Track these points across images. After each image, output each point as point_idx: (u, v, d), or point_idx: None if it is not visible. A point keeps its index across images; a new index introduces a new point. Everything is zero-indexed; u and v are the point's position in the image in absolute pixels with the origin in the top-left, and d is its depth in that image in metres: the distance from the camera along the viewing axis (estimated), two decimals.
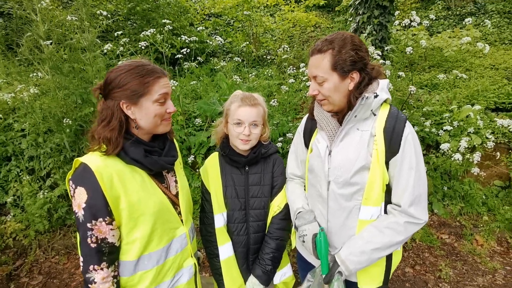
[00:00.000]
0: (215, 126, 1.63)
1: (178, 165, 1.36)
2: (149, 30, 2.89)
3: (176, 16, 5.62)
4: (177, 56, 3.43)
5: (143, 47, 2.95)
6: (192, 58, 3.46)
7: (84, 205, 0.99)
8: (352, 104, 1.25)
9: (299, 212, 1.42)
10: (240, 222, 1.50)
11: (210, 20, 6.51)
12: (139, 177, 1.12)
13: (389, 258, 1.33)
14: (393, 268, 1.38)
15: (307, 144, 1.51)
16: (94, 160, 1.04)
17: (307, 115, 1.57)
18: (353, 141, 1.27)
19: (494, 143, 3.01)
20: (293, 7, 5.83)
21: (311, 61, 1.29)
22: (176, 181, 1.30)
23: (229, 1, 5.61)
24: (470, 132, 3.08)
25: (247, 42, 5.13)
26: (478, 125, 3.02)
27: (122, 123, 1.08)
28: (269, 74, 3.80)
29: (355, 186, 1.25)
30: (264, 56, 5.74)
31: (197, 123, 3.48)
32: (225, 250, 1.47)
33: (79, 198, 0.99)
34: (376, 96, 1.22)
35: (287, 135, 2.98)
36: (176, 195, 1.28)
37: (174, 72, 4.31)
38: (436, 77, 4.81)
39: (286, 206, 1.54)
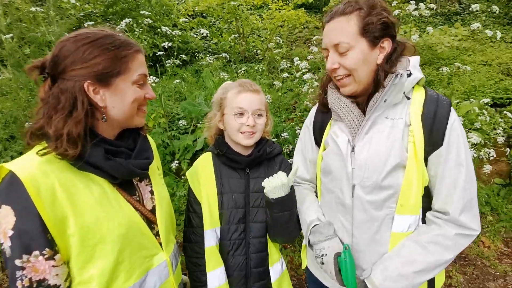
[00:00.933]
0: (206, 121, 1.33)
1: (155, 171, 1.06)
2: (124, 21, 2.56)
3: (158, 16, 5.31)
4: (158, 53, 3.12)
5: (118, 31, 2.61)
6: (175, 57, 3.16)
7: (10, 232, 0.69)
8: (380, 83, 0.99)
9: (314, 226, 1.14)
10: (238, 239, 1.21)
11: (195, 19, 6.22)
12: (98, 189, 0.82)
13: (431, 281, 1.06)
14: None
15: (318, 141, 1.23)
16: (26, 166, 0.74)
17: (315, 106, 1.29)
18: (382, 132, 1.01)
19: (503, 138, 2.82)
20: (281, 6, 5.62)
21: (330, 26, 1.03)
22: (152, 192, 1.00)
23: (214, 0, 5.36)
24: (476, 128, 2.88)
25: (234, 43, 4.88)
26: (485, 120, 2.83)
27: (88, 113, 0.80)
28: (260, 70, 3.53)
29: (388, 190, 0.99)
30: (252, 56, 5.50)
31: (181, 125, 3.18)
32: (216, 276, 1.17)
33: (4, 222, 0.69)
34: (409, 75, 0.96)
35: (282, 135, 2.71)
36: (153, 211, 0.98)
37: (156, 72, 4.00)
38: (430, 74, 4.66)
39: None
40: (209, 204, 1.20)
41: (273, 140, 1.39)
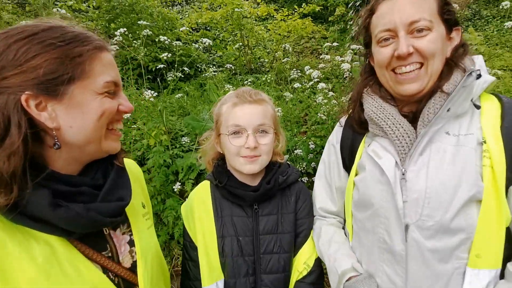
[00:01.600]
0: (201, 143, 1.07)
1: (137, 211, 0.81)
2: (118, 30, 2.38)
3: (161, 31, 5.19)
4: (159, 66, 2.93)
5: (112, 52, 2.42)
6: (176, 69, 2.97)
7: None
8: (443, 82, 0.77)
9: (349, 279, 0.86)
10: None
11: (198, 32, 6.11)
12: (42, 250, 0.59)
13: None
14: None
15: (346, 164, 0.96)
16: None
17: (341, 120, 1.03)
18: (444, 153, 0.77)
19: None
20: (286, 16, 5.46)
21: (402, 1, 0.79)
22: (131, 242, 0.75)
23: (217, 13, 5.23)
24: None
25: (239, 53, 4.71)
26: None
27: (28, 139, 0.57)
28: (268, 80, 3.30)
29: (459, 234, 0.74)
30: (258, 68, 5.31)
31: (184, 142, 2.94)
32: None
33: None
34: (478, 77, 0.72)
35: (294, 151, 2.44)
36: (133, 268, 0.73)
37: (158, 86, 3.81)
38: None
39: (319, 263, 0.98)
40: (207, 251, 0.94)
41: (291, 164, 1.11)
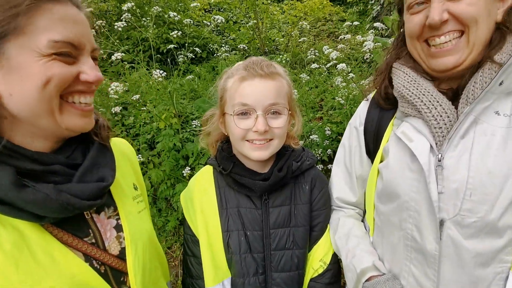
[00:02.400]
0: (203, 123, 0.96)
1: (126, 193, 0.72)
2: (126, 5, 2.27)
3: (173, 11, 5.06)
4: (169, 47, 2.82)
5: (120, 28, 2.32)
6: (187, 49, 2.85)
7: None
8: (494, 51, 0.64)
9: (370, 279, 0.76)
10: None
11: (211, 14, 5.94)
12: (10, 237, 0.52)
13: None
14: None
15: (369, 149, 0.84)
16: None
17: (365, 102, 0.90)
18: (492, 137, 0.65)
19: None
20: None
21: None
22: (119, 227, 0.67)
23: None
24: None
25: (253, 33, 4.54)
26: None
27: None
28: (284, 61, 3.14)
29: (507, 234, 0.62)
30: (272, 51, 5.13)
31: (195, 126, 2.86)
32: None
33: None
34: None
35: (310, 137, 2.31)
36: (121, 255, 0.66)
37: (170, 70, 3.70)
38: None
39: (336, 260, 0.87)
40: (211, 248, 0.83)
41: (306, 148, 0.99)
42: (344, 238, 0.87)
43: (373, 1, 4.64)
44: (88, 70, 0.57)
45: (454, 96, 0.71)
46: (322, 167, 2.45)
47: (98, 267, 0.62)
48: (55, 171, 0.57)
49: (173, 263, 2.76)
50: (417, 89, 0.72)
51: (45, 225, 0.56)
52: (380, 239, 0.84)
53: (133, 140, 2.94)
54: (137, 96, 2.53)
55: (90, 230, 0.63)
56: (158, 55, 3.93)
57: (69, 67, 0.55)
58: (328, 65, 2.44)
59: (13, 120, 0.53)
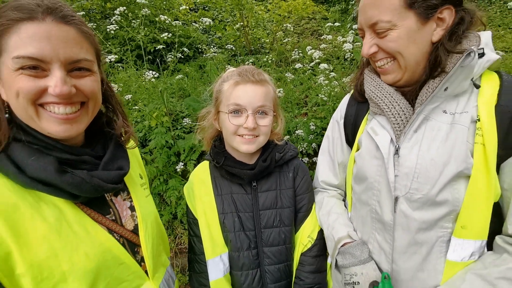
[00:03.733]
0: (199, 119, 1.09)
1: (136, 181, 0.86)
2: (118, 9, 2.35)
3: (159, 11, 5.09)
4: (158, 47, 2.91)
5: (112, 34, 2.41)
6: (176, 50, 2.94)
7: None
8: (439, 67, 0.76)
9: (344, 244, 0.92)
10: (251, 268, 0.98)
11: (197, 12, 5.99)
12: (53, 212, 0.64)
13: None
14: None
15: (349, 139, 1.00)
16: None
17: (346, 97, 1.05)
18: (438, 131, 0.79)
19: None
20: None
21: (365, 1, 0.80)
22: (132, 207, 0.81)
23: None
24: None
25: (239, 33, 4.64)
26: None
27: None
28: (269, 61, 3.28)
29: (444, 206, 0.77)
30: (258, 49, 5.25)
31: (185, 124, 2.96)
32: None
33: None
34: (481, 56, 0.72)
35: (295, 132, 2.47)
36: (135, 230, 0.79)
37: (158, 68, 3.78)
38: None
39: (322, 236, 1.03)
40: (209, 227, 0.98)
41: (284, 138, 1.13)
42: (326, 214, 1.03)
43: (353, 1, 4.81)
44: (53, 83, 0.61)
45: (415, 96, 0.86)
46: (308, 160, 2.60)
47: (118, 239, 0.74)
48: (85, 161, 0.70)
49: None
50: (381, 92, 0.87)
51: (78, 204, 0.69)
52: (355, 214, 0.99)
53: None
54: (129, 96, 2.62)
55: (110, 210, 0.76)
56: (147, 55, 3.99)
57: (36, 80, 0.61)
58: (311, 64, 2.58)
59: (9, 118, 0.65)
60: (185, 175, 2.95)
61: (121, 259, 0.73)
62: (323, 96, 2.55)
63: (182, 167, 2.66)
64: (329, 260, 1.04)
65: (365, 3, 0.80)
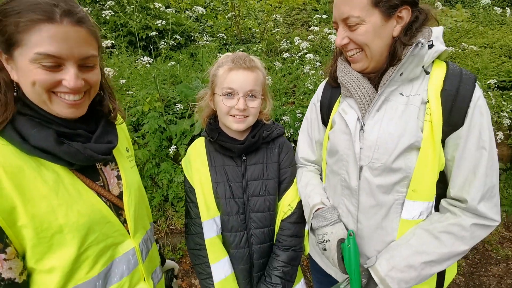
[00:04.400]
0: (197, 99, 1.22)
1: (122, 154, 0.98)
2: None
3: None
4: (151, 34, 2.97)
5: (107, 17, 2.47)
6: (169, 37, 3.01)
7: None
8: (397, 57, 0.90)
9: (318, 210, 1.07)
10: (239, 231, 1.13)
11: (188, 0, 5.99)
12: (52, 175, 0.75)
13: (441, 273, 1.00)
14: (445, 286, 1.04)
15: (325, 120, 1.14)
16: None
17: (323, 83, 1.20)
18: (396, 110, 0.93)
19: (510, 121, 2.74)
20: None
21: None
22: (119, 176, 0.93)
23: None
24: None
25: (231, 22, 4.70)
26: (490, 103, 2.74)
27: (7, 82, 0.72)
28: (259, 50, 3.39)
29: (399, 173, 0.92)
30: (249, 39, 5.33)
31: (178, 109, 3.06)
32: (221, 268, 1.10)
33: None
34: (430, 47, 0.87)
35: (282, 118, 2.61)
36: (120, 196, 0.91)
37: (150, 54, 3.83)
38: None
39: (300, 206, 1.18)
40: (204, 194, 1.11)
41: (276, 122, 1.28)
42: (304, 186, 1.17)
43: None
44: (68, 78, 0.72)
45: (379, 81, 1.00)
46: (294, 145, 2.76)
47: (105, 202, 0.86)
48: (80, 134, 0.81)
49: (159, 235, 3.01)
50: (350, 77, 1.01)
51: (72, 171, 0.80)
52: (328, 184, 1.14)
53: None
54: (123, 81, 2.70)
55: (100, 177, 0.87)
56: (140, 41, 4.03)
57: (52, 74, 0.71)
58: (299, 54, 2.71)
59: (17, 96, 0.75)
60: (176, 159, 3.06)
61: (107, 218, 0.84)
62: (309, 85, 2.69)
63: (174, 150, 2.77)
64: (306, 228, 1.20)
65: (338, 0, 0.93)
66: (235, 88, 1.07)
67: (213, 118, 1.22)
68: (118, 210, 0.89)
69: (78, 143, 0.77)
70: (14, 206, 0.68)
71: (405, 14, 0.89)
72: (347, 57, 1.01)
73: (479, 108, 0.86)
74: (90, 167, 0.85)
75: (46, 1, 0.69)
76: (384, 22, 0.89)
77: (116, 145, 0.89)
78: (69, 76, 0.72)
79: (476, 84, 0.88)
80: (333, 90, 1.13)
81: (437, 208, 0.97)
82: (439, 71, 0.92)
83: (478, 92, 0.87)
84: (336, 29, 0.98)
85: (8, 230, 0.68)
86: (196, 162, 1.16)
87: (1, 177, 0.66)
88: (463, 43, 2.76)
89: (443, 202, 0.95)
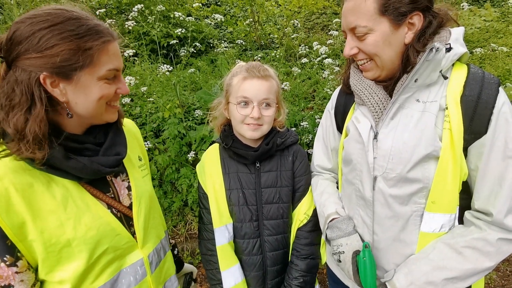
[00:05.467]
0: (212, 109, 1.23)
1: (133, 164, 0.99)
2: (136, 7, 2.49)
3: (172, 6, 5.23)
4: (171, 42, 3.05)
5: (130, 27, 2.55)
6: (189, 45, 3.08)
7: None
8: (411, 64, 0.85)
9: (332, 220, 1.05)
10: (252, 238, 1.12)
11: (209, 8, 6.11)
12: (60, 190, 0.77)
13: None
14: None
15: (340, 127, 1.12)
16: None
17: (337, 89, 1.17)
18: (411, 118, 0.89)
19: None
20: None
21: (346, 6, 0.90)
22: (129, 187, 0.94)
23: None
24: None
25: (249, 28, 4.74)
26: None
27: (49, 109, 0.73)
28: (277, 56, 3.38)
29: (415, 183, 0.87)
30: (268, 44, 5.35)
31: (197, 115, 3.11)
32: (231, 275, 1.10)
33: None
34: (449, 50, 0.82)
35: (301, 124, 2.58)
36: (131, 207, 0.92)
37: (171, 61, 3.93)
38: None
39: (316, 213, 1.16)
40: (217, 201, 1.12)
41: (290, 129, 1.27)
42: (319, 194, 1.15)
43: None
44: (122, 86, 0.83)
45: (393, 88, 0.95)
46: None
47: (116, 213, 0.87)
48: (88, 148, 0.82)
49: (178, 240, 3.05)
50: (362, 85, 0.98)
51: (82, 184, 0.82)
52: (343, 193, 1.11)
53: (140, 128, 3.18)
54: (145, 88, 2.78)
55: (110, 189, 0.89)
56: (161, 49, 4.14)
57: (111, 86, 0.80)
58: (318, 59, 2.68)
59: (71, 118, 0.78)
60: (195, 164, 3.09)
61: (117, 230, 0.85)
62: (328, 90, 2.65)
63: (193, 156, 2.80)
64: (322, 237, 1.17)
65: (345, 10, 0.90)
66: (249, 96, 1.07)
67: (228, 125, 1.22)
68: (129, 220, 0.91)
69: (85, 157, 0.79)
70: (24, 221, 0.71)
71: (417, 20, 0.85)
72: (359, 66, 0.98)
73: (503, 114, 0.81)
74: (101, 179, 0.87)
75: (103, 26, 0.77)
76: (394, 30, 0.85)
77: (124, 156, 0.90)
78: (122, 84, 0.83)
79: (500, 89, 0.83)
80: (347, 97, 1.10)
81: (461, 220, 0.92)
82: (459, 75, 0.87)
83: (502, 98, 0.82)
84: (346, 38, 0.95)
85: (20, 244, 0.71)
86: (210, 169, 1.17)
87: (12, 193, 0.69)
88: (492, 44, 2.62)
89: (467, 214, 0.89)
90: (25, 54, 0.69)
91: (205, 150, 2.98)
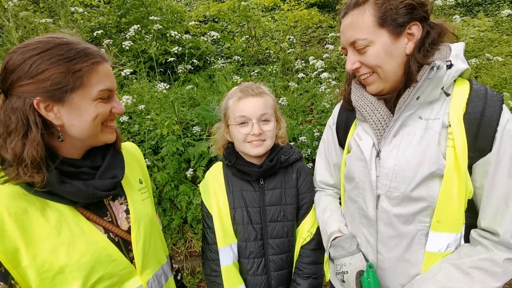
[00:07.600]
0: (212, 134, 1.22)
1: (133, 186, 0.96)
2: (132, 27, 2.52)
3: (170, 24, 5.31)
4: (169, 59, 3.07)
5: (127, 48, 2.57)
6: (186, 62, 3.10)
7: None
8: (412, 76, 0.85)
9: (335, 238, 1.02)
10: (257, 257, 1.09)
11: (206, 24, 6.20)
12: (55, 215, 0.75)
13: None
14: None
15: (342, 143, 1.10)
16: None
17: (339, 104, 1.16)
18: (414, 135, 0.87)
19: None
20: (293, 6, 5.50)
21: (345, 22, 0.90)
22: (127, 211, 0.91)
23: (224, 5, 5.31)
24: None
25: (246, 44, 4.80)
26: None
27: (44, 133, 0.73)
28: (274, 71, 3.41)
29: (420, 202, 0.85)
30: (265, 59, 5.41)
31: (195, 132, 3.10)
32: None
33: None
34: (449, 67, 0.82)
35: (299, 139, 2.57)
36: (129, 231, 0.89)
37: (169, 78, 3.95)
38: None
39: (319, 231, 1.13)
40: (221, 220, 1.10)
41: (293, 146, 1.26)
42: (322, 211, 1.13)
43: None
44: (117, 105, 0.83)
45: (395, 103, 0.93)
46: (312, 165, 2.70)
47: (114, 237, 0.84)
48: (84, 172, 0.81)
49: (178, 258, 2.98)
50: (364, 101, 0.96)
51: (77, 208, 0.79)
52: (346, 211, 1.09)
53: (138, 146, 3.15)
54: (143, 106, 2.77)
55: (108, 212, 0.87)
56: (159, 67, 4.17)
57: (106, 105, 0.80)
58: (314, 73, 2.70)
59: (68, 140, 0.77)
60: (195, 181, 3.07)
61: (113, 256, 0.82)
62: (325, 103, 2.65)
63: (192, 173, 2.78)
64: (326, 254, 1.14)
65: (344, 26, 0.90)
66: (247, 115, 1.07)
67: (231, 143, 1.21)
68: (127, 245, 0.88)
69: (80, 181, 0.78)
70: (17, 248, 0.69)
71: (416, 30, 0.85)
72: (361, 80, 0.97)
73: (508, 132, 0.80)
74: (98, 203, 0.85)
75: (93, 49, 0.78)
76: (394, 41, 0.85)
77: (121, 179, 0.89)
78: (117, 103, 0.83)
79: (503, 106, 0.82)
80: (349, 113, 1.09)
81: (467, 239, 0.89)
82: (461, 92, 0.86)
83: (506, 115, 0.81)
84: (346, 55, 0.95)
85: (13, 271, 0.69)
86: (214, 187, 1.15)
87: (5, 219, 0.68)
88: (487, 54, 2.65)
89: (473, 233, 0.87)
90: (18, 81, 0.70)
91: (203, 166, 2.98)
